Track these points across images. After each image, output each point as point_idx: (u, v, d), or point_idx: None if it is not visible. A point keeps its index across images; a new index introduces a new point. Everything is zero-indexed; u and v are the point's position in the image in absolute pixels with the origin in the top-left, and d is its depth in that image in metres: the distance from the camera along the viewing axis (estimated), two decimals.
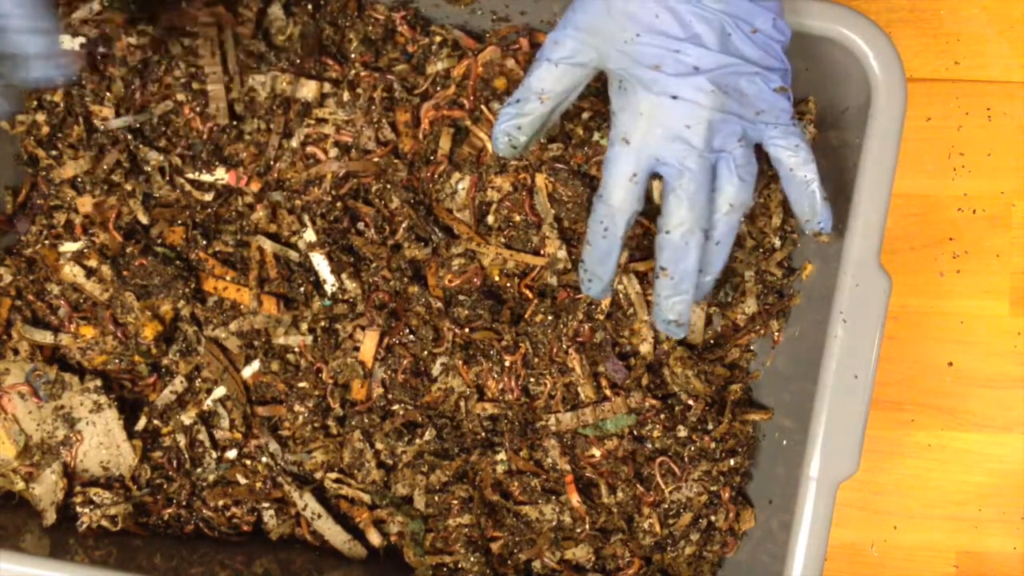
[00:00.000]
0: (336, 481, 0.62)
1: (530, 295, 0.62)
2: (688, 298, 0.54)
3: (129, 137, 0.63)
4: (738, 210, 0.53)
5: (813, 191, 0.53)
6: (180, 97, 0.63)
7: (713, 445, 0.60)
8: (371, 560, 0.62)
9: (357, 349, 0.62)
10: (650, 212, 0.63)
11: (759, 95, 0.52)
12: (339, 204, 0.63)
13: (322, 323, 0.62)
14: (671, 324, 0.55)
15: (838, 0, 0.56)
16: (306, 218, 0.63)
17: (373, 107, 0.63)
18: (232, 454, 0.63)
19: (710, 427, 0.61)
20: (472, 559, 0.60)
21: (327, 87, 0.63)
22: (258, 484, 0.63)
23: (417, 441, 0.61)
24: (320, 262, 0.62)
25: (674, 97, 0.50)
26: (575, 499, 0.60)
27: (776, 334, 0.63)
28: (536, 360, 0.61)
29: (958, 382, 0.72)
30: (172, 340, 0.63)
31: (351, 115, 0.63)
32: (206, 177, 0.64)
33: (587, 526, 0.61)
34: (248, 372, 0.63)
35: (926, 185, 0.73)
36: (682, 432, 0.60)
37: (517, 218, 0.62)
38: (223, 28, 0.63)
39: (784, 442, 0.60)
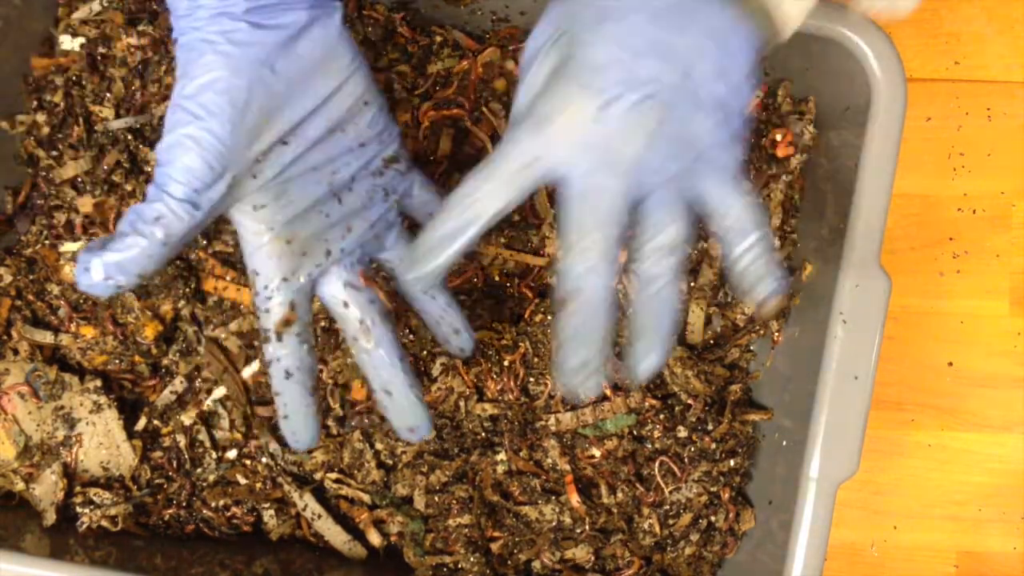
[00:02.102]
0: (336, 481, 0.62)
1: (530, 295, 0.62)
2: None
3: (129, 137, 0.63)
4: (672, 251, 0.46)
5: (757, 256, 0.46)
6: None
7: (713, 445, 0.61)
8: (371, 560, 0.62)
9: None
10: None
11: (709, 136, 0.45)
12: None
13: (322, 323, 0.62)
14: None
15: (838, 0, 0.56)
16: None
17: None
18: (232, 454, 0.63)
19: (710, 427, 0.61)
20: (472, 559, 0.60)
21: None
22: (258, 484, 0.63)
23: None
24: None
25: (606, 107, 0.43)
26: (575, 499, 0.60)
27: (776, 334, 0.63)
28: (536, 360, 0.61)
29: (958, 382, 0.72)
30: (172, 340, 0.63)
31: None
32: None
33: (587, 526, 0.61)
34: (248, 372, 0.63)
35: (926, 185, 0.73)
36: (682, 432, 0.60)
37: (517, 218, 0.62)
38: None
39: (784, 442, 0.60)
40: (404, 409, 0.53)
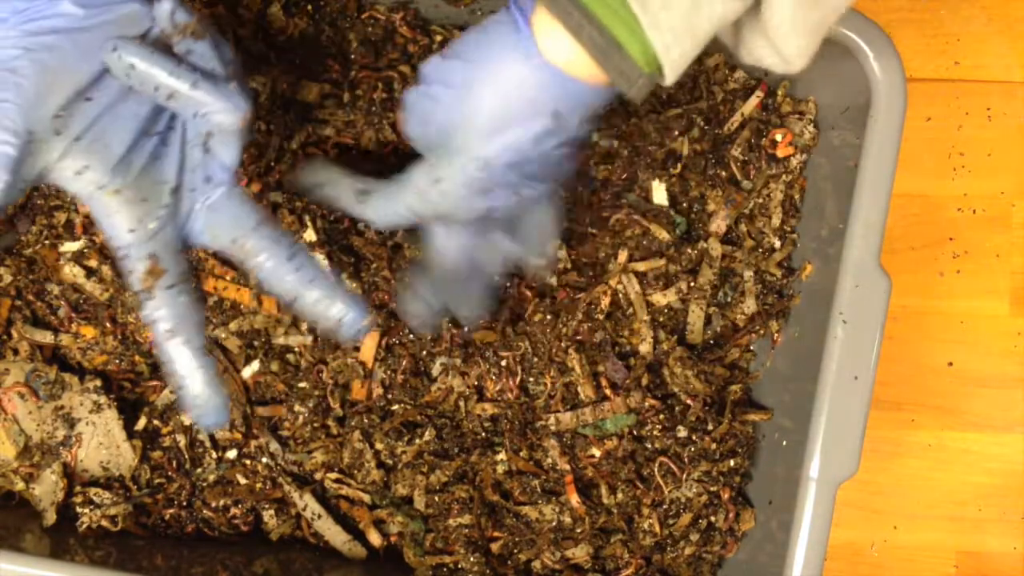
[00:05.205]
0: (336, 481, 0.62)
1: (530, 295, 0.62)
2: None
3: None
4: None
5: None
6: None
7: (713, 445, 0.60)
8: (371, 560, 0.62)
9: (357, 349, 0.62)
10: (647, 209, 0.63)
11: None
12: None
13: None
14: None
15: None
16: (306, 218, 0.63)
17: (373, 108, 0.63)
18: (232, 454, 0.63)
19: (710, 427, 0.61)
20: (472, 559, 0.60)
21: (327, 88, 0.63)
22: (258, 484, 0.63)
23: (417, 441, 0.61)
24: (320, 262, 0.62)
25: None
26: (575, 499, 0.60)
27: (776, 334, 0.63)
28: (535, 360, 0.61)
29: (958, 382, 0.72)
30: None
31: (351, 116, 0.63)
32: None
33: (587, 526, 0.61)
34: (248, 372, 0.63)
35: (926, 185, 0.73)
36: (682, 432, 0.60)
37: None
38: (223, 29, 0.63)
39: (784, 442, 0.60)
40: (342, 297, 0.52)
